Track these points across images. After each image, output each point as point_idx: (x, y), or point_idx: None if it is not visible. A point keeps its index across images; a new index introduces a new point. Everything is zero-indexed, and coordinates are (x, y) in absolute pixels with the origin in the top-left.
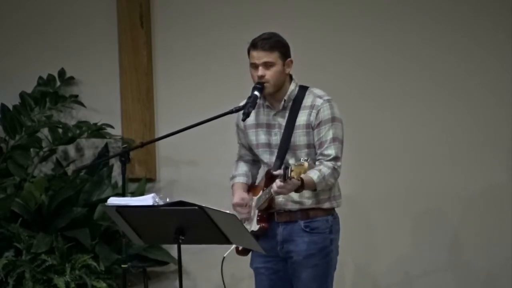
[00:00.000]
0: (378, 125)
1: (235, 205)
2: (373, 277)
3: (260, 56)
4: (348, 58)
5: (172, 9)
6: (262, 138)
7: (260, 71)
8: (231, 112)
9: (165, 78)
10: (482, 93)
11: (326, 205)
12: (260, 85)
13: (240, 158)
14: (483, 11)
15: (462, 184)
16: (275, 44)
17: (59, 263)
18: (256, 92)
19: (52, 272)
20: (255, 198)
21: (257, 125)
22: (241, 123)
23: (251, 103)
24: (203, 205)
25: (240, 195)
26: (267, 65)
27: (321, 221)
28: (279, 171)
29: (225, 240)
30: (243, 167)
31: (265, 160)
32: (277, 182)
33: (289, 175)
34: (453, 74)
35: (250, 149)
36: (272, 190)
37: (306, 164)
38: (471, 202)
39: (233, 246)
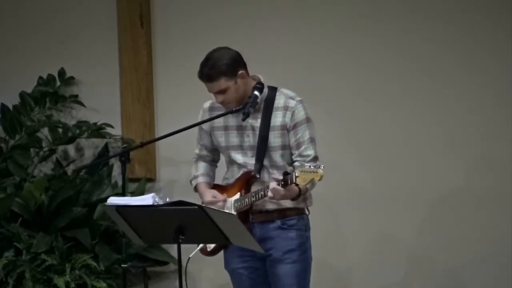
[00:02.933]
0: (378, 125)
1: (208, 203)
2: (374, 277)
3: (209, 87)
4: (348, 58)
5: (172, 9)
6: (234, 140)
7: (218, 98)
8: (231, 112)
9: (165, 78)
10: (482, 93)
11: (301, 205)
12: (260, 85)
13: (200, 158)
14: (483, 11)
15: (462, 183)
16: (218, 72)
17: (59, 263)
18: (256, 92)
19: (52, 272)
20: (231, 199)
21: (227, 127)
22: (207, 125)
23: (251, 103)
24: (203, 205)
25: (211, 193)
26: (220, 92)
27: (297, 219)
28: (278, 177)
29: (225, 239)
30: (204, 167)
31: (239, 162)
32: (275, 187)
33: (294, 181)
34: (453, 74)
35: (212, 150)
36: (268, 194)
37: (321, 171)
38: (471, 201)
39: (199, 247)
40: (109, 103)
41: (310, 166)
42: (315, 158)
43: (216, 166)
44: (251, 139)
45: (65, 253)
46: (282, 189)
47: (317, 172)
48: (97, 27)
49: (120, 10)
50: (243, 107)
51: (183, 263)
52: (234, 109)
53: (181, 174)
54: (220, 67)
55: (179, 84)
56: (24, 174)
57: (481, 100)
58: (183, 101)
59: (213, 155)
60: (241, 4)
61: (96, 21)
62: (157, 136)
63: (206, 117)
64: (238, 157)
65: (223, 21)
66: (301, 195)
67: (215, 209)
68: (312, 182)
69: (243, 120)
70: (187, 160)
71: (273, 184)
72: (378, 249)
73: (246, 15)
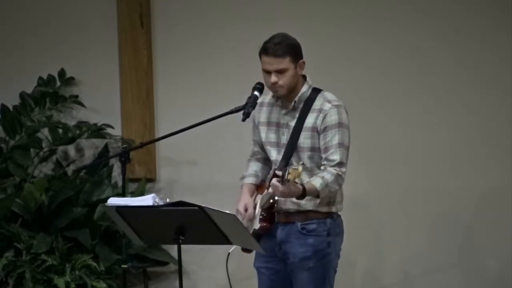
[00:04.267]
0: (379, 125)
1: (236, 211)
2: (375, 277)
3: (272, 63)
4: (348, 58)
5: (172, 9)
6: (272, 136)
7: (273, 77)
8: (231, 112)
9: (165, 78)
10: (483, 93)
11: (324, 209)
12: (260, 85)
13: (253, 155)
14: (483, 10)
15: (465, 184)
16: (286, 49)
17: (59, 263)
18: (256, 92)
19: (52, 272)
20: (261, 196)
21: (269, 123)
22: (256, 120)
23: (251, 103)
24: (203, 205)
25: (244, 200)
26: (280, 71)
27: (318, 223)
28: (279, 172)
29: (225, 240)
30: (253, 167)
31: (272, 158)
32: (274, 183)
33: (286, 177)
34: (454, 74)
35: (262, 147)
36: (268, 190)
37: (300, 168)
38: (473, 202)
39: None
40: (109, 103)
41: (300, 163)
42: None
43: (270, 166)
44: (285, 137)
45: (65, 253)
46: (280, 185)
47: (297, 169)
48: (97, 27)
49: (120, 10)
50: (243, 106)
51: (184, 259)
52: (234, 108)
53: (181, 174)
54: (289, 46)
55: (179, 84)
56: (24, 174)
57: (482, 100)
58: (183, 101)
59: (264, 152)
60: (241, 4)
61: (96, 21)
62: (157, 136)
63: (256, 111)
64: (273, 153)
65: (223, 21)
66: (307, 195)
67: (215, 209)
68: (296, 178)
69: (243, 120)
70: (187, 160)
71: (273, 180)
72: (380, 250)
73: (246, 15)
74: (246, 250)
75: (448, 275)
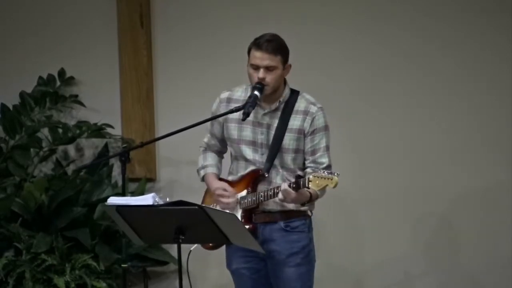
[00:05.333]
0: (378, 125)
1: (216, 189)
2: (372, 277)
3: (263, 58)
4: (348, 58)
5: (172, 9)
6: (248, 135)
7: (261, 73)
8: (231, 111)
9: (165, 78)
10: (482, 93)
11: (304, 208)
12: (260, 85)
13: (208, 148)
14: (483, 10)
15: (462, 184)
16: (279, 47)
17: (59, 263)
18: (256, 92)
19: (52, 272)
20: (237, 195)
21: (241, 120)
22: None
23: (251, 103)
24: (203, 205)
25: (221, 184)
26: (269, 68)
27: (299, 221)
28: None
29: (225, 239)
30: (213, 158)
31: (248, 157)
32: (286, 189)
33: (306, 185)
34: (453, 74)
35: (221, 141)
36: (278, 196)
37: (336, 178)
38: (470, 202)
39: None
40: (109, 103)
41: (325, 172)
42: (329, 167)
43: (223, 157)
44: (264, 137)
45: (65, 253)
46: (293, 192)
47: (331, 179)
48: (97, 27)
49: (120, 10)
50: (243, 106)
51: (184, 259)
52: (234, 108)
53: (181, 174)
54: (281, 45)
55: (179, 84)
56: (24, 174)
57: (481, 100)
58: (183, 101)
59: (221, 145)
60: (241, 4)
61: (96, 21)
62: (157, 136)
63: (223, 107)
64: (248, 152)
65: (223, 22)
66: (312, 201)
67: (215, 209)
68: (324, 188)
69: (243, 120)
70: (187, 160)
71: (284, 185)
72: (377, 250)
73: (246, 16)
74: (210, 247)
75: (447, 275)
